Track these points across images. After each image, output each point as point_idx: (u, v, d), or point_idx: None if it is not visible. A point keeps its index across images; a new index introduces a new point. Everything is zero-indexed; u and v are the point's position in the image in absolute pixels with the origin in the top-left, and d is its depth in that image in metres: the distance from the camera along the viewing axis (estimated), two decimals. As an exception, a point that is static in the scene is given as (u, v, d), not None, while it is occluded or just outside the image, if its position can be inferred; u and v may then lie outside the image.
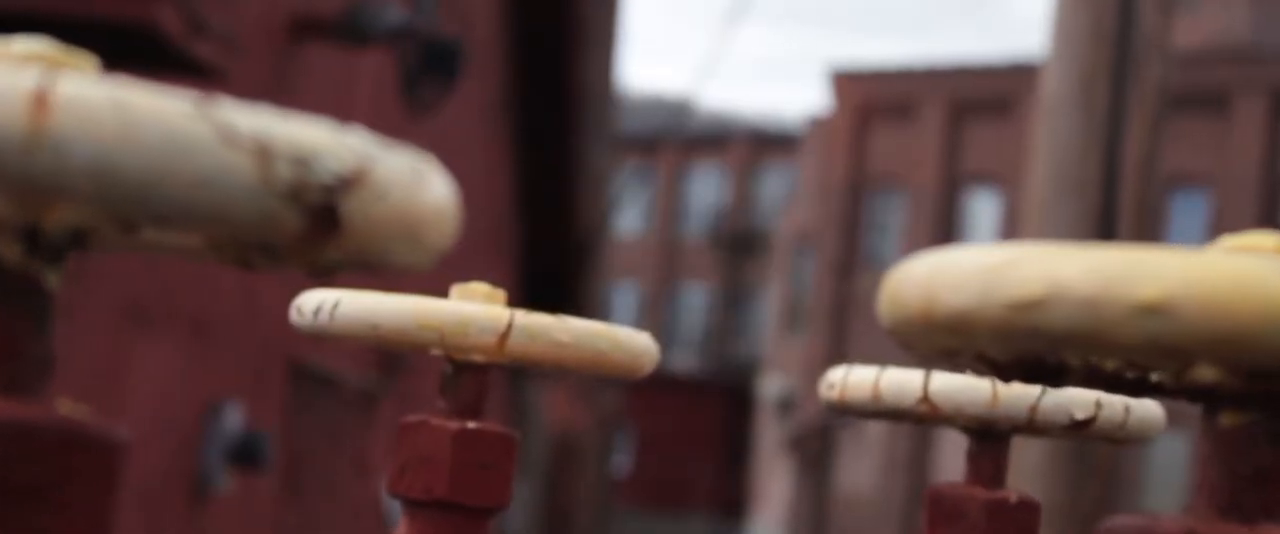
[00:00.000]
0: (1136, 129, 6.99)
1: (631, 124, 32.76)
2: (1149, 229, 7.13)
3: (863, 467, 31.74)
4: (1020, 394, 1.36)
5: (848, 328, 32.80)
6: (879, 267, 33.06)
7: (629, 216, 41.97)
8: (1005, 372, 0.67)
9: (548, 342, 1.40)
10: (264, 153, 0.62)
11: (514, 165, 13.09)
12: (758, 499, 36.43)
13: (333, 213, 0.64)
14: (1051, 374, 0.66)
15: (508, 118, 12.77)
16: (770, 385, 36.53)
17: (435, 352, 1.42)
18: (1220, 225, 27.87)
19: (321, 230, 0.64)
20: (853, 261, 33.28)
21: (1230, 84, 28.37)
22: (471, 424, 1.43)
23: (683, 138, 42.16)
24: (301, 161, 0.63)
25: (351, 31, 8.20)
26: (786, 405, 35.32)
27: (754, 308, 43.13)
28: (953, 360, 0.69)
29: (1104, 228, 6.87)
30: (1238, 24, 29.50)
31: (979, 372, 0.66)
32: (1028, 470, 6.55)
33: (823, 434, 32.22)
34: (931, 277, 0.67)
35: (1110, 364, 0.66)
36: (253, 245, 0.65)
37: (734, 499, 39.19)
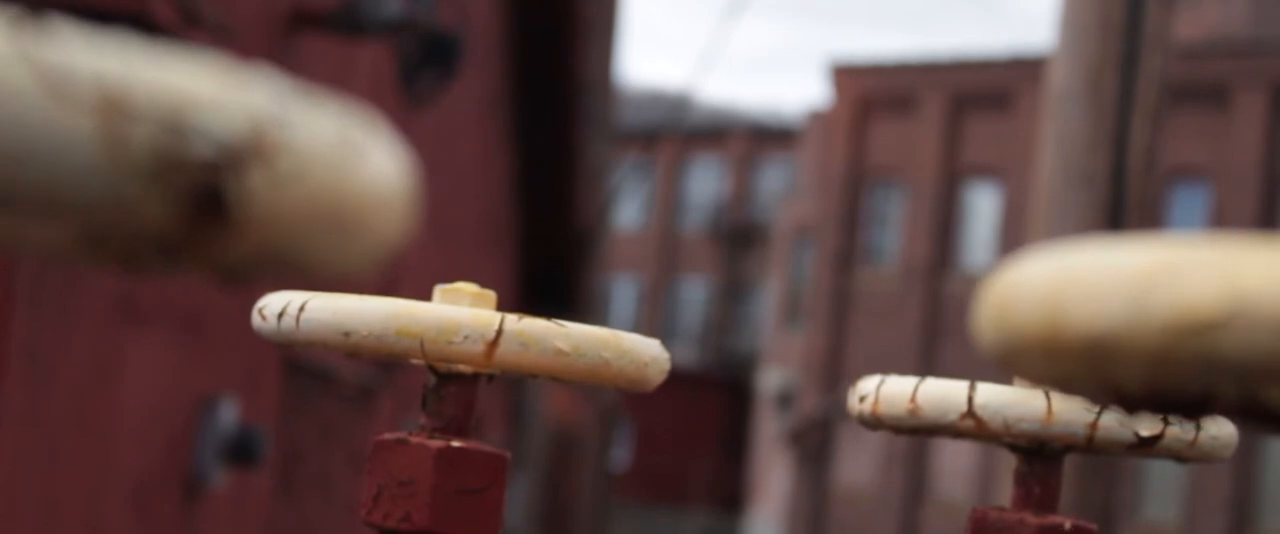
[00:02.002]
0: (1137, 122, 6.92)
1: (631, 117, 32.69)
2: (1150, 222, 7.07)
3: (862, 461, 31.67)
4: (1078, 408, 1.19)
5: (847, 321, 32.75)
6: (878, 260, 33.02)
7: (628, 210, 41.90)
8: (1134, 403, 0.51)
9: (543, 350, 1.21)
10: (113, 111, 0.42)
11: (512, 159, 12.99)
12: (757, 493, 36.40)
13: (218, 197, 0.44)
14: (1192, 406, 0.50)
15: (506, 111, 12.68)
16: (769, 379, 36.48)
17: (416, 361, 1.24)
18: (1220, 219, 27.80)
19: (205, 222, 0.44)
20: (852, 255, 33.21)
21: (1230, 77, 28.31)
22: (457, 443, 1.25)
23: (682, 131, 42.09)
24: (171, 125, 0.43)
25: (349, 22, 8.09)
26: (786, 399, 35.27)
27: (753, 301, 43.10)
28: (1067, 388, 0.54)
29: (1112, 220, 6.83)
30: (1238, 17, 29.46)
31: (1101, 403, 0.50)
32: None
33: (822, 428, 32.16)
34: (1058, 287, 0.50)
35: (1275, 394, 0.49)
36: (127, 242, 0.44)
37: (733, 493, 39.21)
